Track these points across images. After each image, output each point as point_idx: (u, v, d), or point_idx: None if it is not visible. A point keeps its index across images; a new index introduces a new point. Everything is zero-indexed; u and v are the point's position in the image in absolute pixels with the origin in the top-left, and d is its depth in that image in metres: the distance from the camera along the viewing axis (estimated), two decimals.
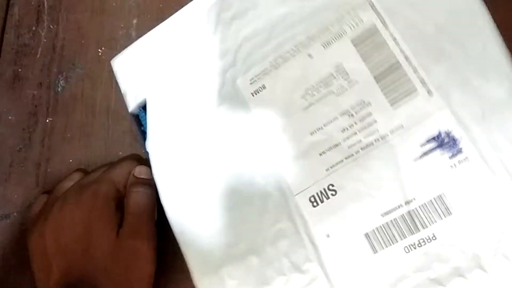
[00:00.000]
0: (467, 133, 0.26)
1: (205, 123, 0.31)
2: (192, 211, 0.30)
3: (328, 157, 0.28)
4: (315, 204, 0.28)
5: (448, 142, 0.26)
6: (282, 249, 0.28)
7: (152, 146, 0.32)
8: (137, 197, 0.31)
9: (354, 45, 0.28)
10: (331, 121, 0.28)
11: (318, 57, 0.29)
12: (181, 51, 0.32)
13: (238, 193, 0.29)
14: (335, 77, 0.28)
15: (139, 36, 0.37)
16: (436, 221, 0.26)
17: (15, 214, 0.35)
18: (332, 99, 0.28)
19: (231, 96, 0.30)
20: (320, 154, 0.28)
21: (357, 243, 0.27)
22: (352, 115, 0.28)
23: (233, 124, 0.30)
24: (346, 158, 0.28)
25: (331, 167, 0.28)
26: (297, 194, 0.28)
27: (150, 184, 0.32)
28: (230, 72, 0.31)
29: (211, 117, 0.31)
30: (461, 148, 0.26)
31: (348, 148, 0.28)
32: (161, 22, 0.38)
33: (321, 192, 0.28)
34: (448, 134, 0.26)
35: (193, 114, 0.31)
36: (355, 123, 0.28)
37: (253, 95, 0.30)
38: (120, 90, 0.36)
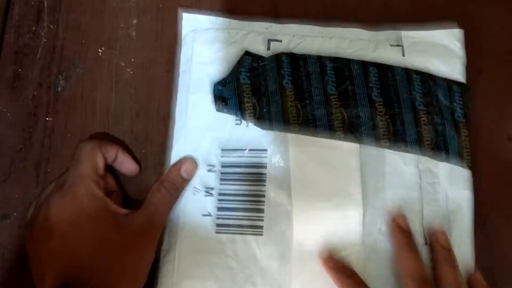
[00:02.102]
0: None
1: None
2: None
3: None
4: None
5: None
6: None
7: None
8: (166, 195, 0.32)
9: None
10: None
11: None
12: None
13: None
14: None
15: (139, 36, 0.37)
16: None
17: (15, 214, 0.35)
18: None
19: None
20: None
21: None
22: None
23: None
24: None
25: None
26: None
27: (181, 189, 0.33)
28: None
29: None
30: None
31: None
32: (161, 22, 0.38)
33: None
34: None
35: None
36: None
37: None
38: (120, 90, 0.36)
